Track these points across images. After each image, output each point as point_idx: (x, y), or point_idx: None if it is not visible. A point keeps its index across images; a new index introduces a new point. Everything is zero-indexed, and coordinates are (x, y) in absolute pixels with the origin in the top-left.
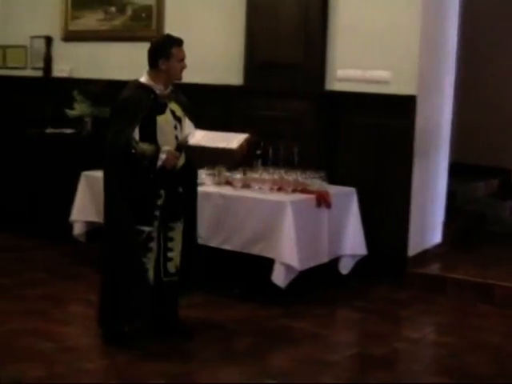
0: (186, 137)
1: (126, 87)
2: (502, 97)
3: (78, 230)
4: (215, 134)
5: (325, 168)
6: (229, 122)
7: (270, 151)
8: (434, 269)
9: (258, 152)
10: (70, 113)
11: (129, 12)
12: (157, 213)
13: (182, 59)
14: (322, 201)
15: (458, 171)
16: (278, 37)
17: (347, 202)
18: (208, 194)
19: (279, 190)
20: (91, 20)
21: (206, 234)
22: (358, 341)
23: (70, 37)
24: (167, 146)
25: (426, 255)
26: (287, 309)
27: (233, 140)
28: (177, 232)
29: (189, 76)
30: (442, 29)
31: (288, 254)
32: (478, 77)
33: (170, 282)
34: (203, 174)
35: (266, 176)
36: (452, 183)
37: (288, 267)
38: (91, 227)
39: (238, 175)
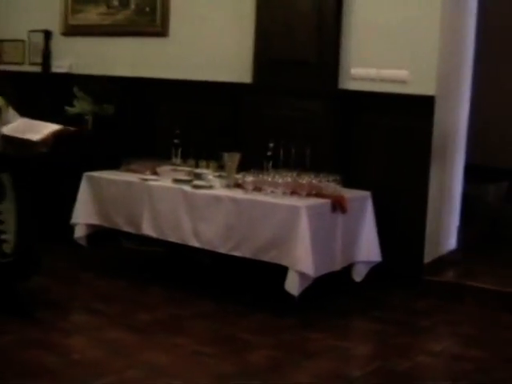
0: None
1: None
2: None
3: (79, 232)
4: (32, 123)
5: (338, 170)
6: (238, 121)
7: (281, 152)
8: (452, 276)
9: (269, 153)
10: (70, 110)
11: (132, 6)
12: None
13: None
14: (338, 205)
15: (468, 173)
16: (289, 34)
17: (362, 207)
18: (218, 198)
19: (292, 193)
20: (93, 14)
21: (215, 239)
22: (378, 354)
23: (71, 31)
24: None
25: (442, 262)
26: (301, 319)
27: (41, 131)
28: (6, 215)
29: (198, 74)
30: (461, 26)
31: (303, 262)
32: (494, 77)
33: (7, 263)
34: (210, 176)
35: (278, 179)
36: (465, 186)
37: (302, 275)
38: (93, 230)
39: (250, 177)
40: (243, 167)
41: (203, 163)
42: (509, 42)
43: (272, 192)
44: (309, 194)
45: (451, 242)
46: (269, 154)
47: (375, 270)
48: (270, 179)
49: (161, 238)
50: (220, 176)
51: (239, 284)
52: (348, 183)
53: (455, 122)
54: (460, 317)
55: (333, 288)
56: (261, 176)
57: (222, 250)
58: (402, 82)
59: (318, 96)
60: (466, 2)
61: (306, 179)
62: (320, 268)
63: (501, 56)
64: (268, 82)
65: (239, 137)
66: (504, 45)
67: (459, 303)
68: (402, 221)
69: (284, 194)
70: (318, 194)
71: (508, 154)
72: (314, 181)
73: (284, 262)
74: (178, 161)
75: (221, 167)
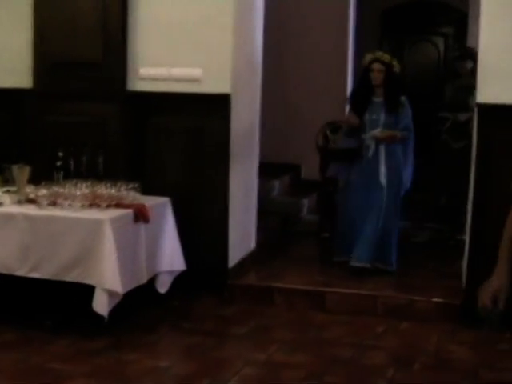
0: None
1: None
2: (296, 92)
3: None
4: None
5: (134, 177)
6: (21, 131)
7: (72, 161)
8: (257, 278)
9: (59, 163)
10: None
11: None
12: None
13: None
14: (140, 215)
15: None
16: (72, 33)
17: (162, 214)
18: (10, 216)
19: (91, 205)
20: None
21: (10, 261)
22: (202, 371)
23: None
24: None
25: (245, 264)
26: (112, 339)
27: None
28: None
29: None
30: (251, 25)
31: (110, 279)
32: (277, 75)
33: None
34: None
35: (75, 191)
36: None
37: (110, 293)
38: None
39: (43, 191)
40: (32, 180)
41: None
42: (289, 39)
43: (69, 205)
44: (109, 205)
45: (252, 243)
46: (58, 164)
47: (180, 279)
48: (65, 191)
49: None
50: (8, 191)
51: (41, 308)
52: (146, 190)
53: (250, 120)
54: (273, 320)
55: (138, 302)
56: (55, 188)
57: (20, 273)
58: (196, 80)
59: (106, 99)
60: (255, 1)
61: (104, 189)
62: (127, 283)
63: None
64: (51, 86)
65: (24, 147)
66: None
67: (269, 306)
68: (203, 226)
69: (82, 206)
70: (119, 205)
71: (288, 150)
72: (112, 190)
73: (90, 281)
74: None
75: (6, 181)
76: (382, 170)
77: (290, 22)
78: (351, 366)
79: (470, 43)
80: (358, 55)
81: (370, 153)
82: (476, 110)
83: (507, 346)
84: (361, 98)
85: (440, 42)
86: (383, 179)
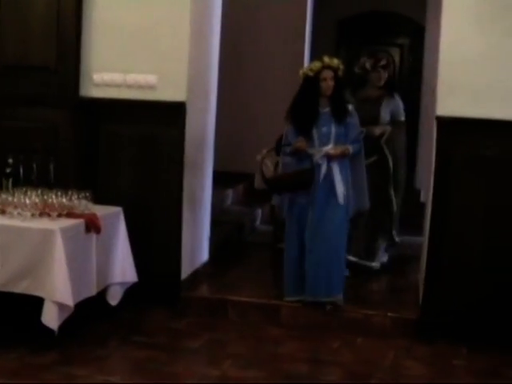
0: None
1: None
2: (251, 101)
3: None
4: None
5: (85, 185)
6: None
7: (21, 168)
8: (211, 291)
9: (8, 170)
10: None
11: None
12: None
13: None
14: (91, 225)
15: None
16: (26, 36)
17: (114, 224)
18: None
19: (42, 214)
20: None
21: None
22: None
23: None
24: None
25: (198, 276)
26: (62, 353)
27: None
28: None
29: None
30: (209, 31)
31: (61, 291)
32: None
33: None
34: None
35: (25, 199)
36: None
37: (61, 306)
38: None
39: None
40: None
41: None
42: (249, 45)
43: (19, 214)
44: (60, 215)
45: (204, 254)
46: (8, 171)
47: (131, 291)
48: (15, 200)
49: None
50: None
51: None
52: (98, 199)
53: (205, 129)
54: (227, 334)
55: (88, 314)
56: (3, 196)
57: None
58: (151, 87)
59: (58, 105)
60: (212, 7)
61: (55, 198)
62: (78, 295)
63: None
64: (1, 90)
65: None
66: (245, 48)
67: (222, 319)
68: (156, 236)
69: (33, 215)
70: (70, 214)
71: (242, 159)
72: (63, 199)
73: (39, 293)
74: None
75: None
76: (339, 189)
77: (246, 30)
78: (307, 382)
79: (426, 56)
80: None
81: (323, 172)
82: (435, 123)
83: (463, 362)
84: (307, 111)
85: (396, 53)
86: (341, 199)
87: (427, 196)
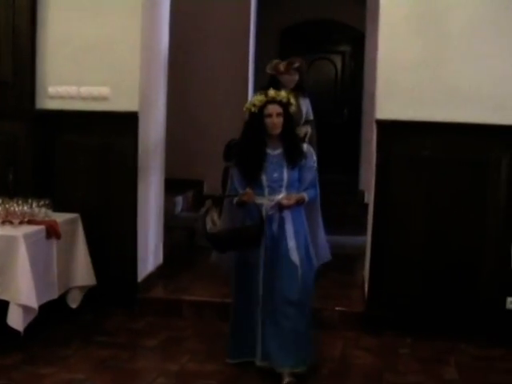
0: None
1: None
2: (198, 109)
3: None
4: None
5: (44, 194)
6: None
7: None
8: (166, 292)
9: None
10: None
11: None
12: None
13: None
14: (52, 231)
15: None
16: None
17: (73, 230)
18: None
19: (4, 222)
20: None
21: None
22: (118, 382)
23: None
24: None
25: (154, 278)
26: (28, 354)
27: None
28: None
29: None
30: (158, 42)
31: (25, 295)
32: (181, 93)
33: None
34: None
35: None
36: None
37: (26, 308)
38: None
39: None
40: None
41: None
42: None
43: None
44: (22, 222)
45: (159, 257)
46: None
47: (91, 294)
48: None
49: None
50: None
51: None
52: (56, 207)
53: (156, 137)
54: (183, 332)
55: (50, 317)
56: None
57: None
58: (104, 98)
59: (15, 117)
60: (160, 19)
61: (16, 206)
62: (41, 298)
63: (186, 68)
64: None
65: None
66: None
67: (178, 318)
68: (113, 241)
69: None
70: (31, 221)
71: (191, 166)
72: (25, 207)
73: (4, 297)
74: None
75: None
76: (291, 244)
77: (193, 40)
78: (262, 372)
79: (366, 62)
80: (258, 73)
81: (275, 225)
82: (375, 125)
83: (408, 350)
84: (253, 154)
85: (338, 60)
86: (295, 256)
87: (370, 196)
